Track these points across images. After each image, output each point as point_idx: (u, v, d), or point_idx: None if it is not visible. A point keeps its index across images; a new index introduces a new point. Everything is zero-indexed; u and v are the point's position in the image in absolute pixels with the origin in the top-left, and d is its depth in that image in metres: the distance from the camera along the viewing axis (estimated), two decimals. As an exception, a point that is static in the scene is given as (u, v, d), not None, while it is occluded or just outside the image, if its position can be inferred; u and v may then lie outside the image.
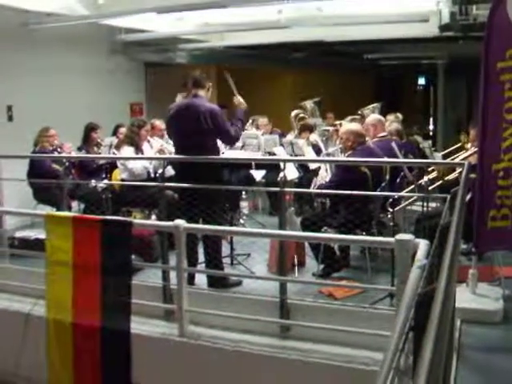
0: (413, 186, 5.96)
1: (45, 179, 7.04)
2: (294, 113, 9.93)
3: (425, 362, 1.30)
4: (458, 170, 5.48)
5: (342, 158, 6.39)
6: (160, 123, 7.65)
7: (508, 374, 3.77)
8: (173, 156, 6.24)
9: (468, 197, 4.42)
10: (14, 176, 6.48)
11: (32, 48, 8.50)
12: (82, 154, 7.97)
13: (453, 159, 6.55)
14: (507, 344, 4.23)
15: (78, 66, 9.48)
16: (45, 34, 8.44)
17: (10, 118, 8.50)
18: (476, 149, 5.07)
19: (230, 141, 5.75)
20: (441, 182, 6.05)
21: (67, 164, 6.35)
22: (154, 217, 6.97)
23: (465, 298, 4.64)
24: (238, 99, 5.80)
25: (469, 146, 6.67)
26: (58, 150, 7.65)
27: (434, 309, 1.60)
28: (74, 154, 7.80)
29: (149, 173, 6.80)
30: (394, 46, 11.64)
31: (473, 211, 4.52)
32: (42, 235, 5.69)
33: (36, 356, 4.54)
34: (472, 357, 4.04)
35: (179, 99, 6.64)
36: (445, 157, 7.44)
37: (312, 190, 6.45)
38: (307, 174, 7.55)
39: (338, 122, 9.17)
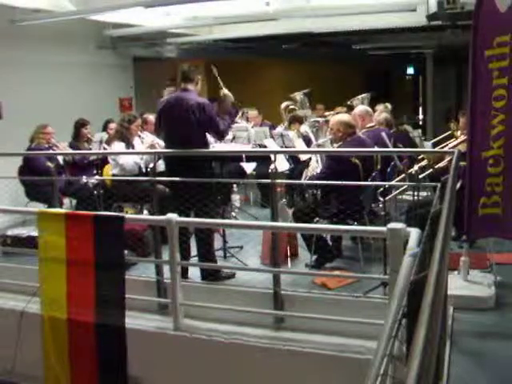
0: (403, 176, 5.99)
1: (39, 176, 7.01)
2: (283, 105, 9.94)
3: (418, 348, 1.32)
4: (448, 158, 5.50)
5: (332, 148, 6.41)
6: (153, 117, 7.63)
7: (500, 359, 3.81)
8: (162, 150, 6.24)
9: (458, 185, 4.44)
10: (3, 174, 6.46)
11: (20, 44, 8.46)
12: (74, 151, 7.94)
13: (443, 147, 6.57)
14: (499, 330, 4.26)
15: (67, 62, 9.44)
16: (33, 31, 8.40)
17: (0, 116, 8.47)
18: (465, 137, 5.10)
19: (219, 134, 5.72)
20: (431, 170, 6.08)
21: (61, 162, 6.33)
22: (145, 211, 6.97)
23: (457, 285, 4.67)
24: (225, 91, 5.80)
25: (459, 133, 6.70)
26: (54, 148, 7.60)
27: (426, 295, 1.62)
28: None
29: (140, 168, 6.79)
30: (382, 35, 11.63)
31: (463, 199, 4.55)
32: (34, 233, 5.70)
33: (32, 353, 4.55)
34: (465, 343, 4.07)
35: (167, 94, 6.64)
36: (435, 145, 7.47)
37: (303, 181, 6.46)
38: (298, 165, 7.57)
39: (327, 113, 9.21)
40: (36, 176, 6.95)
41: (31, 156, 7.40)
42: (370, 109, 7.43)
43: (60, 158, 7.34)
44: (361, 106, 7.69)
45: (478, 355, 3.95)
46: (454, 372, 3.58)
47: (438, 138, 7.83)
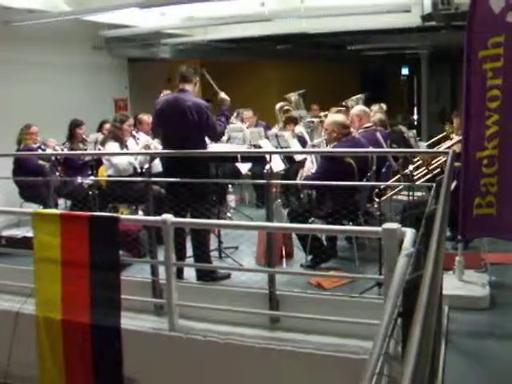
0: (398, 176, 6.00)
1: (31, 177, 6.99)
2: (278, 105, 9.95)
3: (413, 347, 1.33)
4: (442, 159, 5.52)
5: (327, 149, 6.41)
6: (147, 117, 7.63)
7: (495, 359, 3.82)
8: (157, 151, 6.24)
9: (453, 185, 4.46)
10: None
11: (14, 45, 8.44)
12: (67, 151, 7.92)
13: (438, 148, 6.59)
14: (494, 329, 4.28)
15: (62, 63, 9.44)
16: (27, 31, 8.38)
17: (-6, 116, 8.45)
18: (460, 137, 5.11)
19: (215, 136, 5.75)
20: (426, 171, 6.10)
21: (53, 160, 6.31)
22: (140, 212, 6.96)
23: (452, 285, 4.68)
24: (222, 96, 5.83)
25: (453, 136, 6.71)
26: (42, 147, 7.60)
27: (420, 295, 1.62)
28: (58, 148, 7.73)
29: (135, 168, 6.78)
30: (376, 36, 11.66)
31: (458, 199, 4.56)
32: (29, 233, 5.69)
33: (27, 354, 4.53)
34: (460, 342, 4.08)
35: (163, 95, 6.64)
36: (430, 147, 7.48)
37: (298, 181, 6.47)
38: (293, 165, 7.57)
39: (323, 114, 9.21)
40: (30, 177, 6.94)
41: (22, 157, 7.38)
42: (367, 109, 7.42)
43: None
44: (359, 106, 7.69)
45: (472, 354, 3.96)
46: (449, 371, 3.59)
47: (433, 140, 7.85)
